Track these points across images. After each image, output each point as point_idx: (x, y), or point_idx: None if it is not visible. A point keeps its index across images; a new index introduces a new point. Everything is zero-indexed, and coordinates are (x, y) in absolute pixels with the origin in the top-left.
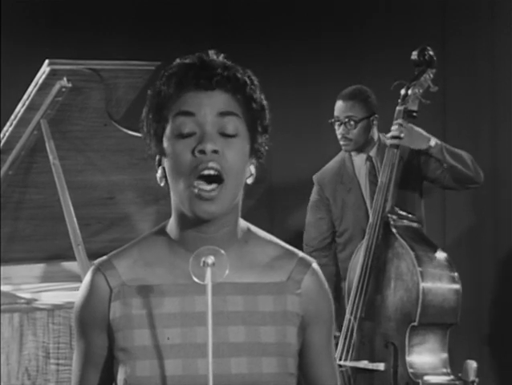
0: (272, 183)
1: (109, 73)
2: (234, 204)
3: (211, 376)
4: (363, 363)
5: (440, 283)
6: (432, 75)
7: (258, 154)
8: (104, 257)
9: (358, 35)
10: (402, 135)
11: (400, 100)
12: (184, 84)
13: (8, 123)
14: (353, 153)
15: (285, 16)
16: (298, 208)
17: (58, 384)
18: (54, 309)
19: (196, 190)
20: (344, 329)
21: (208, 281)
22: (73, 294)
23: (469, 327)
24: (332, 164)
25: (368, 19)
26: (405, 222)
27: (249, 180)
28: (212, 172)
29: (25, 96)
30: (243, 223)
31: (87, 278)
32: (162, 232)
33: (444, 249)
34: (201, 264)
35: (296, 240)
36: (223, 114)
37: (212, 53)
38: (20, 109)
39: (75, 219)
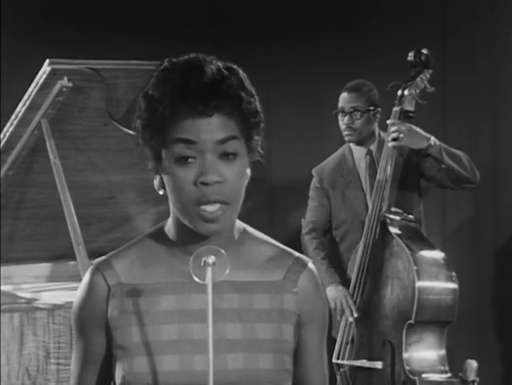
0: (272, 183)
1: (109, 73)
2: None
3: (211, 376)
4: (362, 362)
5: (436, 282)
6: (428, 76)
7: (255, 155)
8: (103, 257)
9: (358, 35)
10: (401, 136)
11: (396, 101)
12: (181, 109)
13: (9, 123)
14: (353, 146)
15: (285, 16)
16: (298, 208)
17: (59, 384)
18: (54, 308)
19: (198, 212)
20: (342, 328)
21: (208, 280)
22: (73, 294)
23: (470, 327)
24: (333, 157)
25: (368, 19)
26: (402, 221)
27: (246, 182)
28: (216, 205)
29: (25, 96)
30: (239, 224)
31: (86, 278)
32: (160, 232)
33: (444, 248)
34: (202, 264)
35: (296, 240)
36: (222, 141)
37: (202, 60)
38: (21, 109)
39: (75, 218)
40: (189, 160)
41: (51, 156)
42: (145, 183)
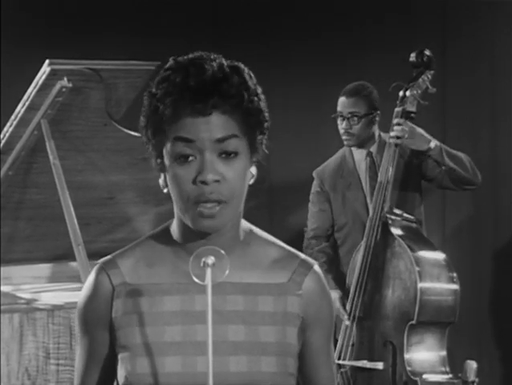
0: (272, 183)
1: (109, 73)
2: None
3: (211, 376)
4: (363, 363)
5: (438, 282)
6: (430, 77)
7: (258, 154)
8: (108, 257)
9: (358, 36)
10: (406, 135)
11: (398, 102)
12: (181, 107)
13: (8, 124)
14: (354, 148)
15: (285, 16)
16: (297, 208)
17: (59, 384)
18: (54, 309)
19: (197, 210)
20: (343, 328)
21: (208, 281)
22: (73, 294)
23: (470, 327)
24: (333, 159)
25: (369, 20)
26: (404, 222)
27: (251, 181)
28: (214, 203)
29: (25, 96)
30: (245, 225)
31: (91, 277)
32: (166, 232)
33: (443, 248)
34: (201, 264)
35: (296, 240)
36: (222, 140)
37: (206, 58)
38: (20, 109)
39: (75, 219)
40: (189, 158)
41: (51, 157)
42: (145, 183)
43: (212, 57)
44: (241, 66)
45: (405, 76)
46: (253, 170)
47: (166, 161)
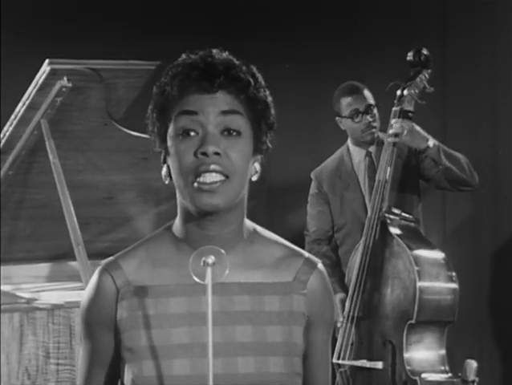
0: (272, 183)
1: (109, 73)
2: (238, 200)
3: (211, 376)
4: (362, 362)
5: (437, 282)
6: (427, 76)
7: (263, 151)
8: (111, 258)
9: (357, 34)
10: (405, 132)
11: (396, 101)
12: (187, 86)
13: (8, 123)
14: (352, 148)
15: (285, 16)
16: (297, 207)
17: (58, 384)
18: (54, 309)
19: (196, 184)
20: (342, 328)
21: (208, 280)
22: (73, 294)
23: (469, 327)
24: (331, 160)
25: (368, 18)
26: (402, 221)
27: (255, 177)
28: (213, 174)
29: (25, 96)
30: (249, 224)
31: (94, 279)
32: (168, 231)
33: (444, 248)
34: (202, 263)
35: (296, 240)
36: (226, 112)
37: (216, 52)
38: (20, 109)
39: (75, 219)
40: (191, 133)
41: (51, 156)
42: (145, 183)
43: (222, 52)
44: (251, 65)
45: (405, 75)
46: (258, 166)
47: (169, 142)
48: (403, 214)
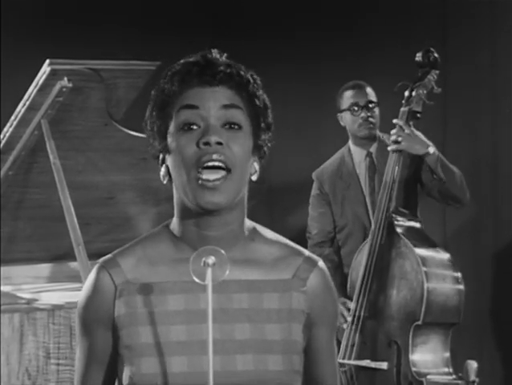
0: (272, 183)
1: (109, 73)
2: (239, 199)
3: (211, 375)
4: (366, 362)
5: (444, 283)
6: (435, 77)
7: (262, 151)
8: (109, 255)
9: (358, 34)
10: (400, 139)
11: (404, 101)
12: (188, 81)
13: (8, 124)
14: (353, 148)
15: (285, 15)
16: (297, 207)
17: (59, 384)
18: (54, 309)
19: (200, 181)
20: (348, 328)
21: (208, 281)
22: (73, 294)
23: (470, 327)
24: (332, 160)
25: (369, 18)
26: (409, 222)
27: (254, 177)
28: (216, 164)
29: (25, 96)
30: (249, 222)
31: (92, 276)
32: (166, 229)
33: (444, 248)
34: (202, 264)
35: (296, 239)
36: (227, 106)
37: (215, 52)
38: (21, 109)
39: (75, 219)
40: (193, 126)
41: (51, 157)
42: (145, 183)
43: (221, 54)
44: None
45: (407, 74)
46: (257, 166)
47: (169, 139)
48: (410, 214)
